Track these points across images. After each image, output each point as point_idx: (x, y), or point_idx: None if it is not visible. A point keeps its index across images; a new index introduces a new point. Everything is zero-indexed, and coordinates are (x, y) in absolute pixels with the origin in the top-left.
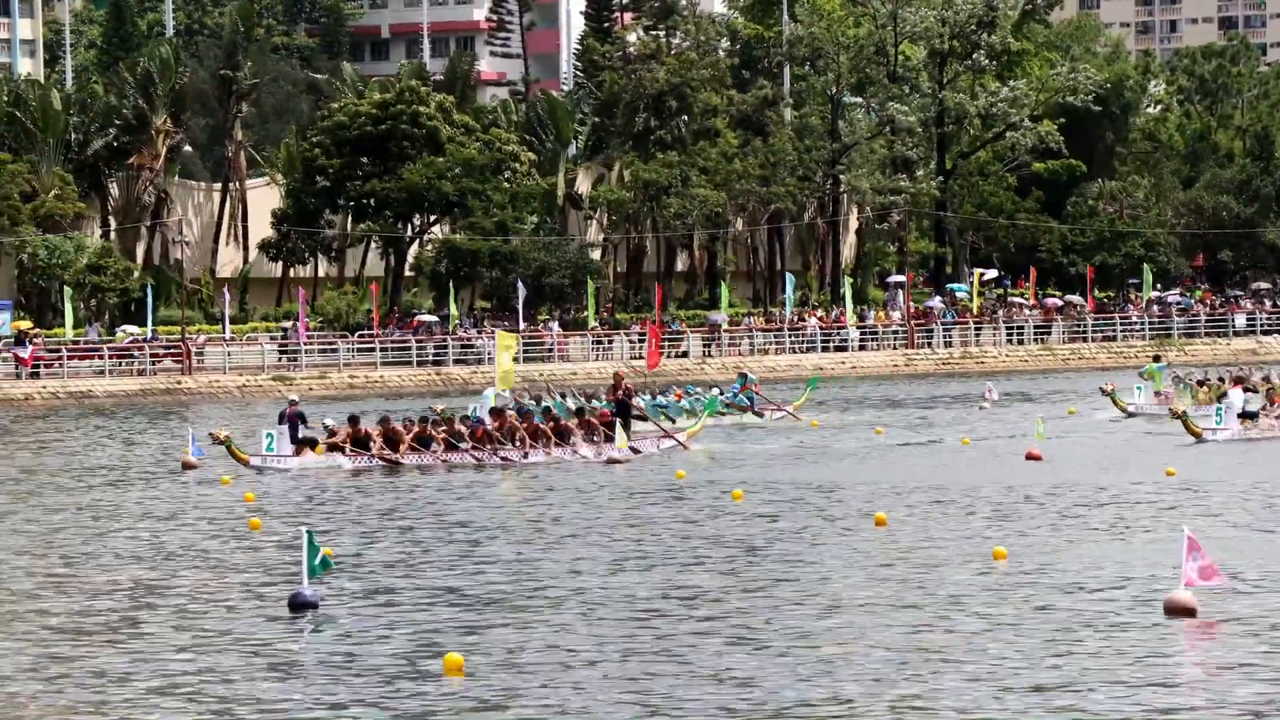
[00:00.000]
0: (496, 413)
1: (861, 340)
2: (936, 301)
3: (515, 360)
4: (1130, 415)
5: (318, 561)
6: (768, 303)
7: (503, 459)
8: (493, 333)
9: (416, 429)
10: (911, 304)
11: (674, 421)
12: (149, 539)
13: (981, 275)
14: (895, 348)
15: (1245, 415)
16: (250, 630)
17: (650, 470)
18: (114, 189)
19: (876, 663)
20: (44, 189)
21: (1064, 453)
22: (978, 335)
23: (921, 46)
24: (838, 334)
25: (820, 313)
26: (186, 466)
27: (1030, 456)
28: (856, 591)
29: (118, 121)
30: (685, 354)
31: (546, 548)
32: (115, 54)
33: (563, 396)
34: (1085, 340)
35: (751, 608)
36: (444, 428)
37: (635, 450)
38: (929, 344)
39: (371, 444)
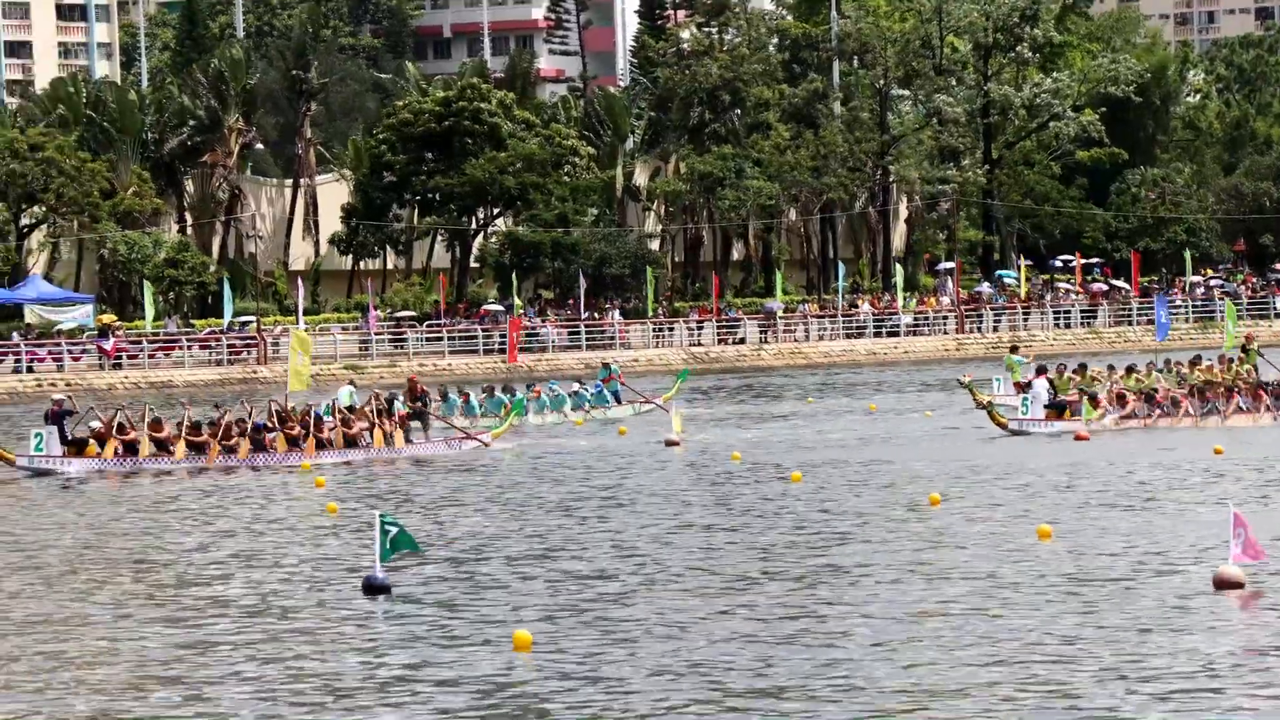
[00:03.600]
0: (281, 418)
1: (913, 325)
2: (985, 287)
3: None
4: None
5: (390, 544)
6: (821, 290)
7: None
8: (557, 321)
9: (190, 431)
10: (960, 290)
11: (475, 420)
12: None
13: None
14: (945, 333)
15: (1051, 407)
16: (325, 613)
17: (703, 454)
18: (189, 186)
19: (919, 640)
20: (123, 187)
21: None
22: (1026, 320)
23: (966, 40)
24: (889, 319)
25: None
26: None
27: (1078, 438)
28: (913, 570)
29: (192, 121)
30: (742, 341)
31: (608, 527)
32: (189, 56)
33: (442, 397)
34: (1130, 324)
35: (819, 587)
36: (221, 431)
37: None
38: (978, 329)
39: (139, 446)
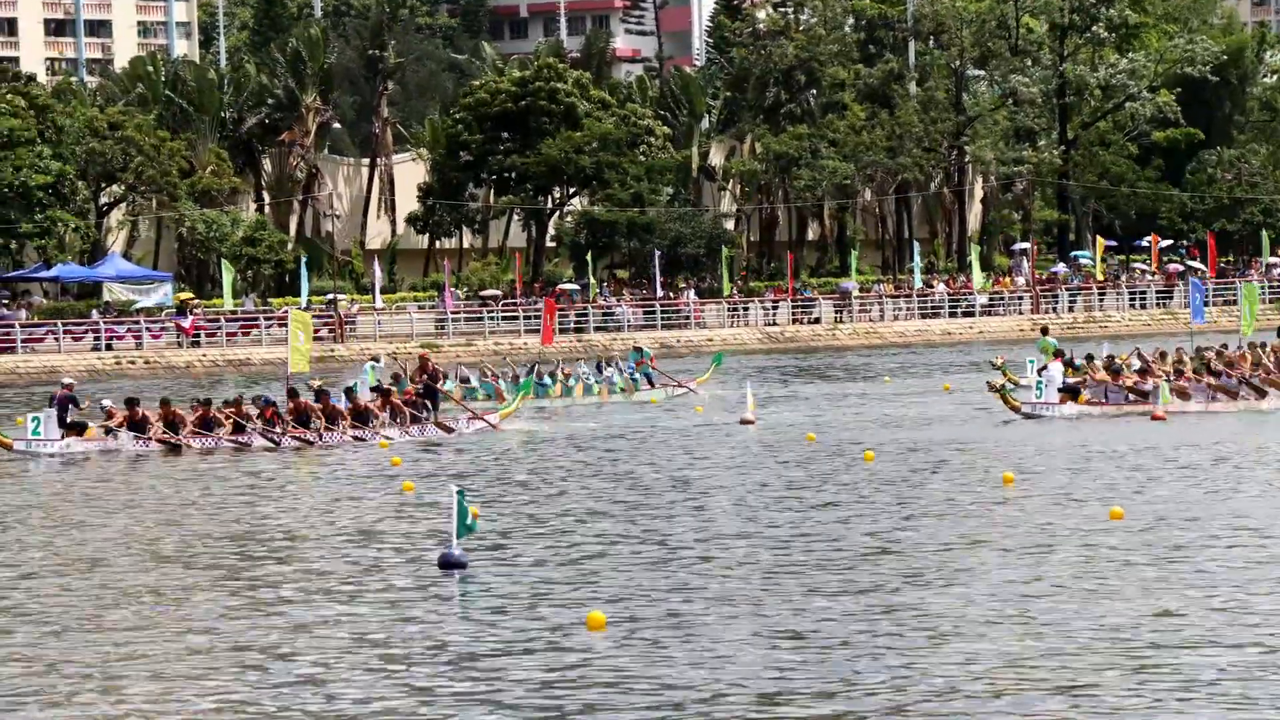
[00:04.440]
0: (291, 394)
1: (988, 306)
2: (1061, 268)
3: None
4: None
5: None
6: (896, 270)
7: (300, 441)
8: (633, 300)
9: (200, 411)
10: (1036, 270)
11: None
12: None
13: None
14: (1021, 313)
15: (1065, 390)
16: (401, 589)
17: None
18: (267, 164)
19: (991, 621)
20: (201, 165)
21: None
22: (1101, 300)
23: (1042, 20)
24: (964, 300)
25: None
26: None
27: (1155, 418)
28: (984, 549)
29: (270, 100)
30: (817, 320)
31: (684, 506)
32: (266, 35)
33: (462, 380)
34: (1206, 305)
35: (896, 571)
36: (231, 409)
37: (447, 429)
38: (1054, 309)
39: (149, 427)
